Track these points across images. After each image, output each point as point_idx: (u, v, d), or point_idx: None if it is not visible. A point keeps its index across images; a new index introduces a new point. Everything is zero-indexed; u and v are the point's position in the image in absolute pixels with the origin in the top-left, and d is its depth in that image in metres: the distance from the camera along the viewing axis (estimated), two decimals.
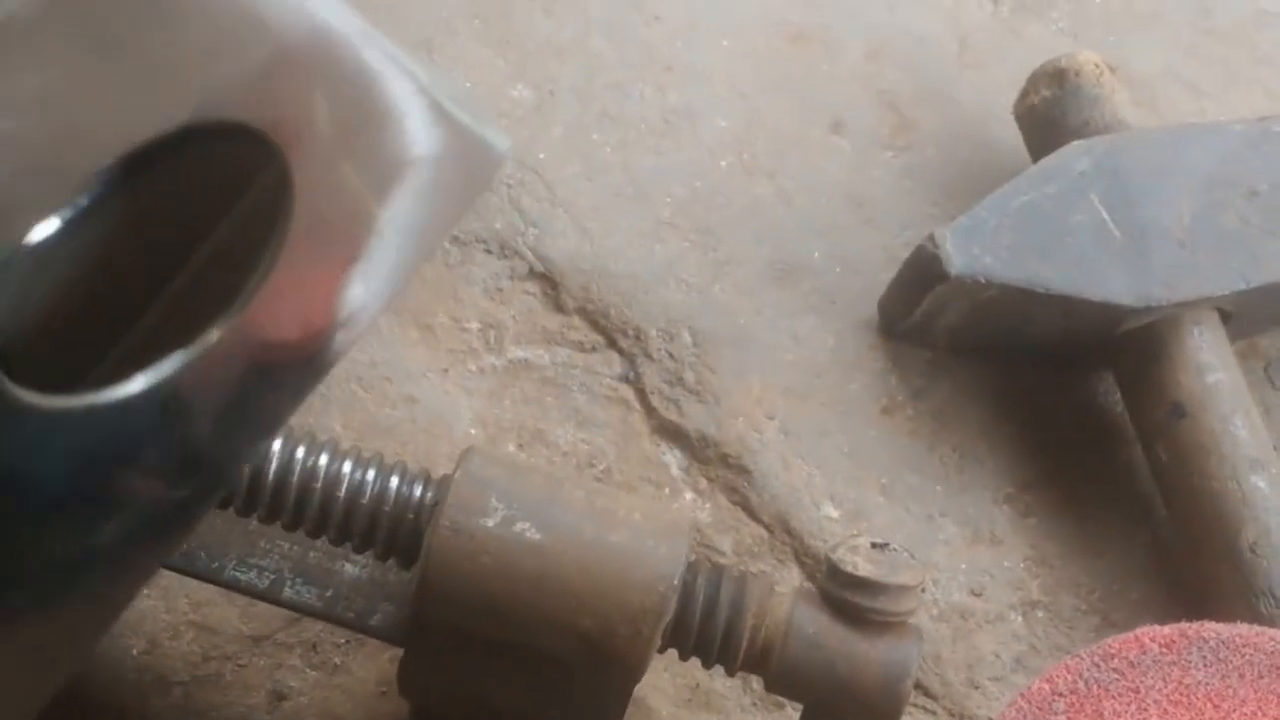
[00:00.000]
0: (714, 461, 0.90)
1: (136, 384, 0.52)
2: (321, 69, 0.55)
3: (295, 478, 0.67)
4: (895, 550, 0.68)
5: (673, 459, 0.90)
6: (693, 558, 0.68)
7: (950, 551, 0.89)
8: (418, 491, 0.68)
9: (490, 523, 0.65)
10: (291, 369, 0.58)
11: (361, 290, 0.58)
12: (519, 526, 0.65)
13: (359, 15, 0.56)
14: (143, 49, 0.50)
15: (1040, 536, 0.90)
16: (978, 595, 0.88)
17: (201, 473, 0.56)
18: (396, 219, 0.58)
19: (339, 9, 0.55)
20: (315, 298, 0.58)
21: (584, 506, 0.67)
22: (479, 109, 0.61)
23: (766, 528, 0.88)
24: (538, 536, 0.65)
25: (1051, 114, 0.93)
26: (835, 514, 0.89)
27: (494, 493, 0.66)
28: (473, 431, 0.89)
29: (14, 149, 0.48)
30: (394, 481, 0.68)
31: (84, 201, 0.54)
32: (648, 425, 0.91)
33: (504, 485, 0.66)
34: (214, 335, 0.54)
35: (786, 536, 0.88)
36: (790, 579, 0.87)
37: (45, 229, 0.53)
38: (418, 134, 0.58)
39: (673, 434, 0.91)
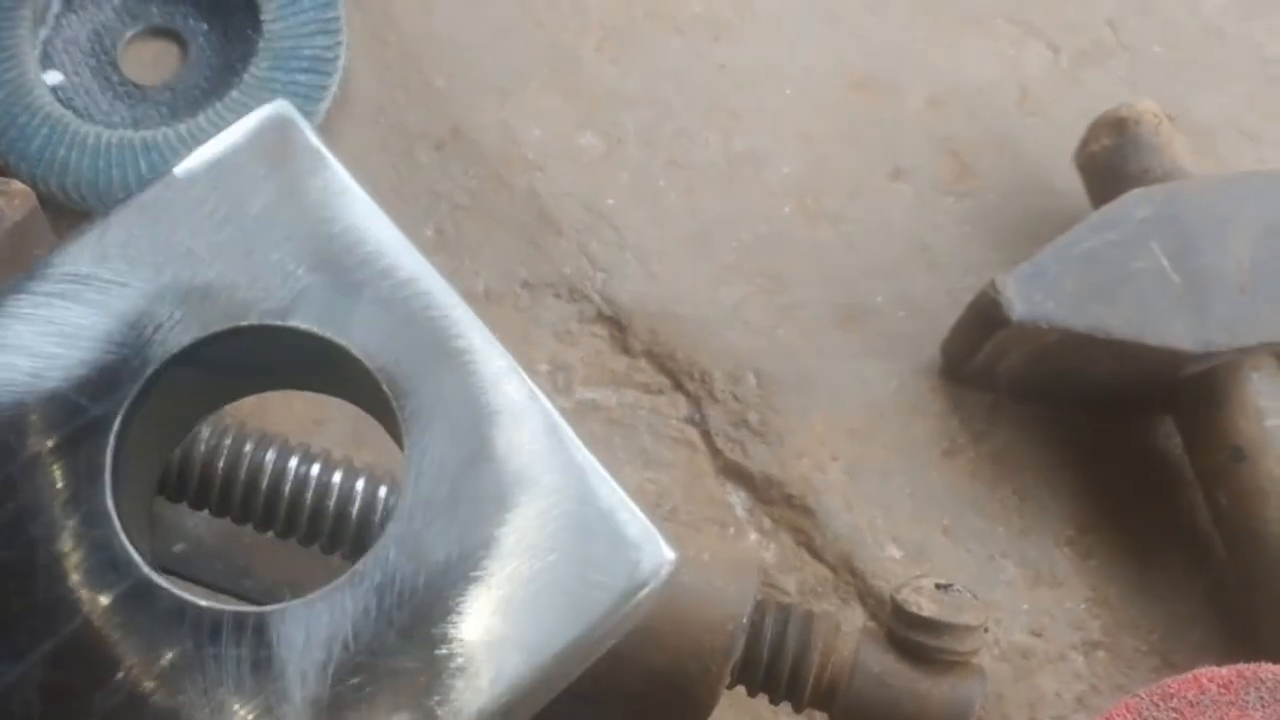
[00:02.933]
0: (778, 502, 0.92)
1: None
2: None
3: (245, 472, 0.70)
4: (959, 591, 0.70)
5: (738, 499, 0.92)
6: (760, 597, 0.70)
7: (1012, 592, 0.90)
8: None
9: None
10: None
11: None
12: None
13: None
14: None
15: (1101, 578, 0.91)
16: (1039, 635, 0.89)
17: None
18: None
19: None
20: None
21: None
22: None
23: (830, 568, 0.90)
24: None
25: (1112, 162, 0.94)
26: (898, 555, 0.90)
27: None
28: None
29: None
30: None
31: None
32: (713, 466, 0.93)
33: None
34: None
35: (850, 576, 0.90)
36: (854, 619, 0.88)
37: None
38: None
39: (738, 475, 0.92)
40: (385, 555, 0.55)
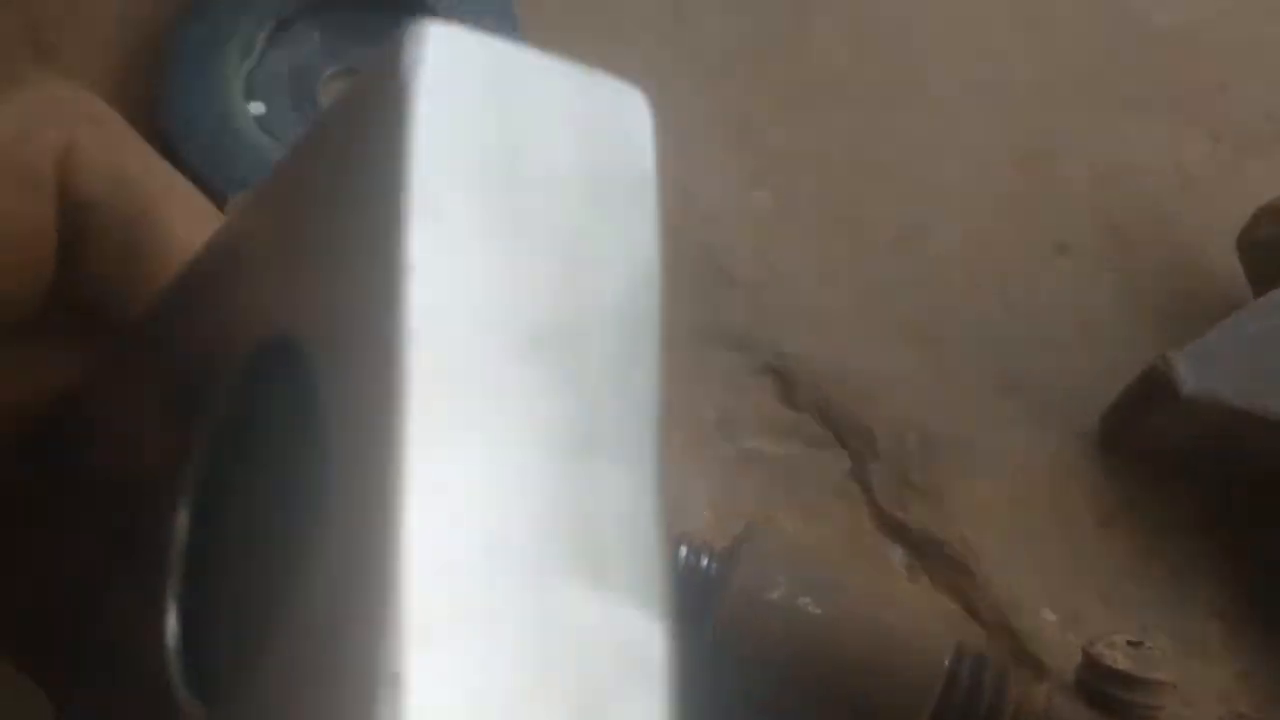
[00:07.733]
0: (936, 560, 0.94)
1: None
2: None
3: None
4: (1150, 648, 0.72)
5: (896, 555, 0.94)
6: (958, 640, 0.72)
7: (1163, 663, 0.91)
8: (704, 562, 0.73)
9: (775, 595, 0.70)
10: None
11: None
12: (801, 600, 0.70)
13: None
14: None
15: (1251, 653, 0.92)
16: (1188, 706, 0.90)
17: None
18: None
19: None
20: None
21: (860, 586, 0.71)
22: None
23: (986, 627, 0.92)
24: (818, 611, 0.69)
25: (1276, 248, 0.97)
26: (1053, 619, 0.92)
27: (778, 567, 0.71)
28: (706, 514, 0.94)
29: None
30: (682, 551, 0.73)
31: None
32: (873, 521, 0.95)
33: (786, 561, 0.71)
34: None
35: (1007, 638, 0.91)
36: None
37: None
38: None
39: (897, 531, 0.95)
40: None
